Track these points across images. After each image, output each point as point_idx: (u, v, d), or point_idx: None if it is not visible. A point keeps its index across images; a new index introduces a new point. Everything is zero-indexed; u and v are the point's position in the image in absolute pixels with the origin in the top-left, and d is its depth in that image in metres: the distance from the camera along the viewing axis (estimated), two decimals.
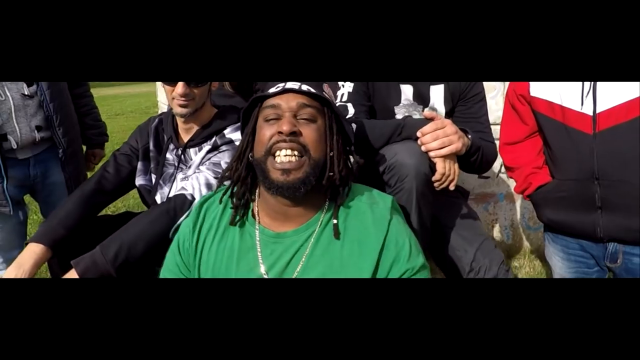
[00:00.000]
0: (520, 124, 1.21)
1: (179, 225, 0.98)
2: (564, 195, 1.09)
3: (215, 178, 1.07)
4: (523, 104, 1.18)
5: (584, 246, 1.13)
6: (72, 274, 0.92)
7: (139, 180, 1.20)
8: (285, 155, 0.76)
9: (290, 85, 0.79)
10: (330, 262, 0.79)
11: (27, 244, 1.02)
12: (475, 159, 1.12)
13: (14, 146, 1.36)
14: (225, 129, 1.15)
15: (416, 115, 1.27)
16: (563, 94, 1.07)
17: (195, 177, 1.08)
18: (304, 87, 0.79)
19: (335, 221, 0.80)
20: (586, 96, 1.03)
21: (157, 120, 1.23)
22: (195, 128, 1.16)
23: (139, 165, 1.20)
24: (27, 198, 1.60)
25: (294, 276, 0.79)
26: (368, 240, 0.79)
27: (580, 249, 1.14)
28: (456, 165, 1.02)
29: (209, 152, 1.13)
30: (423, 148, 0.99)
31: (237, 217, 0.83)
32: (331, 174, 0.79)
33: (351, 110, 1.18)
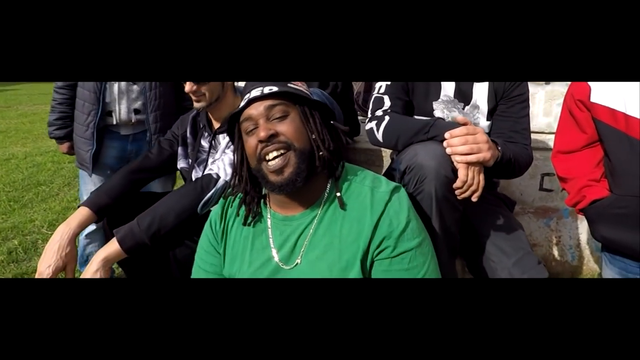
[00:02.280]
0: (577, 131, 1.11)
1: (206, 201, 1.11)
2: (623, 212, 0.98)
3: None
4: (582, 111, 1.08)
5: None
6: (114, 242, 1.06)
7: (180, 164, 1.34)
8: (274, 158, 0.82)
9: (253, 94, 0.85)
10: (331, 240, 0.85)
11: (78, 207, 1.19)
12: (506, 169, 1.06)
13: (115, 122, 1.64)
14: None
15: (455, 113, 1.23)
16: (628, 101, 0.97)
17: (220, 159, 1.19)
18: (266, 90, 0.84)
19: (339, 194, 0.86)
20: None
21: (195, 111, 1.36)
22: (223, 116, 1.27)
23: (180, 150, 1.34)
24: None
25: (300, 254, 0.87)
26: (365, 219, 0.83)
27: None
28: (482, 176, 0.97)
29: None
30: (449, 150, 0.96)
31: (250, 220, 0.91)
32: (320, 153, 0.85)
33: (387, 103, 1.18)
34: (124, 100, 1.62)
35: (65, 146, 1.78)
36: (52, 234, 1.15)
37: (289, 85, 0.88)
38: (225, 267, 0.94)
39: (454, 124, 1.01)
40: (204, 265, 0.98)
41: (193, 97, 1.23)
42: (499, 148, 1.03)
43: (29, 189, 3.44)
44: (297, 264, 0.86)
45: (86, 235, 1.76)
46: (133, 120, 1.66)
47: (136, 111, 1.64)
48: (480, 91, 1.21)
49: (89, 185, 1.73)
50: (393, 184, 0.89)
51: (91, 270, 1.02)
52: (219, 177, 1.14)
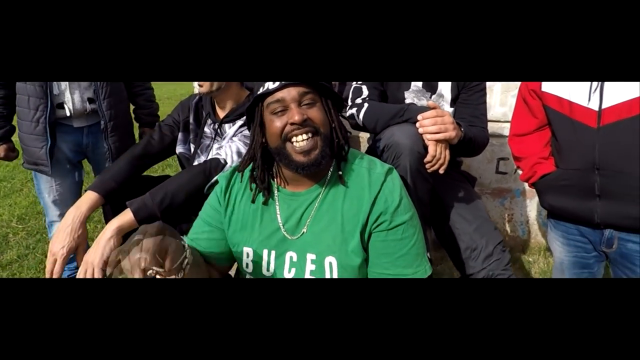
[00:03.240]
0: (530, 117, 1.29)
1: (213, 183, 1.17)
2: (566, 184, 1.17)
3: (246, 146, 1.24)
4: (534, 99, 1.26)
5: (583, 232, 1.21)
6: (127, 212, 1.10)
7: (179, 149, 1.38)
8: (302, 140, 0.89)
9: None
10: (333, 215, 0.95)
11: (85, 191, 1.21)
12: (466, 147, 1.24)
13: (68, 114, 1.57)
14: None
15: (423, 101, 1.39)
16: (572, 90, 1.15)
17: (228, 146, 1.26)
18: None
19: (340, 173, 0.95)
20: (593, 93, 1.10)
21: (197, 97, 1.41)
22: (229, 107, 1.33)
23: (180, 135, 1.38)
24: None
25: (305, 225, 0.96)
26: (363, 197, 0.94)
27: (579, 234, 1.22)
28: (447, 152, 1.13)
29: (241, 126, 1.30)
30: (420, 130, 1.11)
31: (261, 197, 0.98)
32: (337, 140, 0.95)
33: (365, 92, 1.31)
34: (75, 89, 1.56)
35: (1, 149, 1.64)
36: (22, 227, 1.17)
37: None
38: (229, 233, 1.01)
39: (426, 108, 1.16)
40: (207, 217, 1.04)
41: (197, 83, 1.28)
42: (462, 129, 1.20)
43: None
44: (303, 233, 0.96)
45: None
46: (88, 110, 1.60)
47: (90, 100, 1.58)
48: (445, 82, 1.38)
49: (47, 182, 1.64)
50: (387, 166, 0.98)
51: (105, 238, 1.06)
52: (225, 163, 1.21)
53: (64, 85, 1.53)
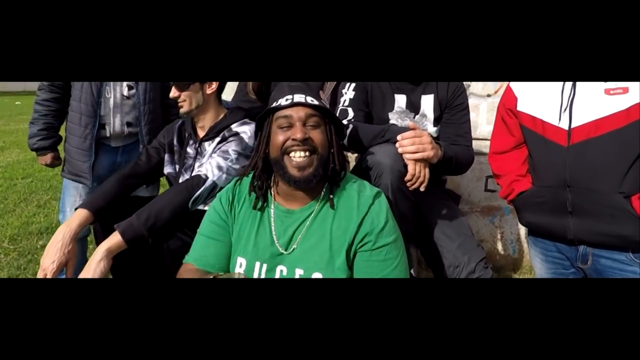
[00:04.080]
0: (508, 135, 1.32)
1: (196, 198, 1.22)
2: (541, 201, 1.19)
3: (225, 160, 1.30)
4: (511, 117, 1.30)
5: (560, 248, 1.22)
6: (116, 234, 1.14)
7: (166, 169, 1.46)
8: (300, 157, 0.97)
9: (298, 99, 0.99)
10: (323, 233, 1.00)
11: (76, 209, 1.26)
12: (448, 166, 1.28)
13: (108, 135, 1.72)
14: (232, 124, 1.39)
15: (407, 121, 1.43)
16: (544, 109, 1.18)
17: (208, 162, 1.32)
18: (309, 100, 1.00)
19: (331, 195, 1.02)
20: (563, 112, 1.14)
21: (180, 121, 1.50)
22: (208, 126, 1.41)
23: (166, 157, 1.46)
24: None
25: (296, 242, 1.01)
26: (351, 218, 0.99)
27: (556, 250, 1.23)
28: (427, 170, 1.18)
29: (219, 142, 1.37)
30: (400, 150, 1.16)
31: (259, 203, 1.04)
32: (332, 165, 1.01)
33: (351, 114, 1.36)
34: (117, 113, 1.70)
35: (49, 157, 1.79)
36: (14, 248, 1.21)
37: (321, 100, 1.03)
38: (232, 235, 1.06)
39: (405, 128, 1.21)
40: (211, 234, 1.07)
41: (179, 103, 1.37)
42: (442, 148, 1.24)
43: None
44: (293, 249, 1.01)
45: None
46: (125, 133, 1.74)
47: (128, 124, 1.74)
48: (427, 102, 1.43)
49: (73, 197, 1.76)
50: (375, 190, 1.04)
51: (95, 260, 1.10)
52: (207, 178, 1.26)
53: (110, 107, 1.68)
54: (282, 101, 0.99)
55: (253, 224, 1.04)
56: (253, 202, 1.04)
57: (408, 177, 1.15)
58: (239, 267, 1.03)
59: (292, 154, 0.97)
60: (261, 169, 1.03)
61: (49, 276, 1.12)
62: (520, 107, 1.25)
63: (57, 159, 1.80)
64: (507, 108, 1.30)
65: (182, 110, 1.37)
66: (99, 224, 1.28)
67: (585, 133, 1.09)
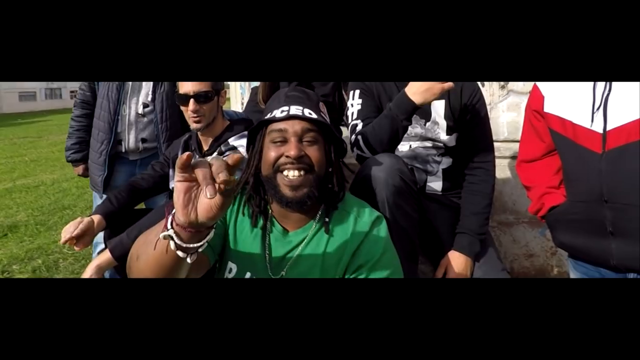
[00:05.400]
0: (537, 140, 1.15)
1: None
2: (575, 218, 1.00)
3: None
4: (539, 120, 1.12)
5: (605, 275, 1.01)
6: (106, 251, 1.18)
7: (171, 184, 1.47)
8: (293, 175, 0.87)
9: (294, 111, 0.89)
10: (314, 261, 0.92)
11: (91, 214, 1.33)
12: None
13: (124, 150, 1.81)
14: (230, 137, 1.35)
15: (417, 128, 1.30)
16: (574, 110, 1.00)
17: None
18: (307, 113, 0.89)
19: (327, 219, 0.92)
20: (596, 112, 0.95)
21: (187, 135, 1.49)
22: (211, 139, 1.39)
23: (170, 172, 1.47)
24: None
25: (285, 268, 0.93)
26: (345, 247, 0.90)
27: (601, 277, 1.02)
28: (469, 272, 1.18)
29: (217, 154, 1.34)
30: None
31: (260, 221, 0.94)
32: (330, 185, 0.92)
33: (360, 126, 1.25)
34: (132, 130, 1.78)
35: (80, 168, 1.95)
36: (72, 253, 1.30)
37: (321, 113, 0.93)
38: (221, 248, 0.98)
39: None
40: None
41: (193, 118, 1.33)
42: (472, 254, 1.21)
43: (55, 213, 3.70)
44: (282, 275, 0.93)
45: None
46: (140, 149, 1.82)
47: (143, 140, 1.80)
48: (438, 109, 1.29)
49: None
50: (375, 214, 0.94)
51: (85, 276, 1.16)
52: None
53: (126, 124, 1.78)
54: (277, 112, 0.90)
55: (250, 234, 0.96)
56: (252, 218, 0.96)
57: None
58: (229, 273, 0.96)
59: (285, 172, 0.87)
60: (253, 187, 0.94)
61: (64, 238, 1.21)
62: (548, 108, 1.08)
63: (88, 170, 1.94)
64: (534, 109, 1.13)
65: (199, 126, 1.33)
66: (109, 232, 1.33)
67: (624, 137, 0.90)
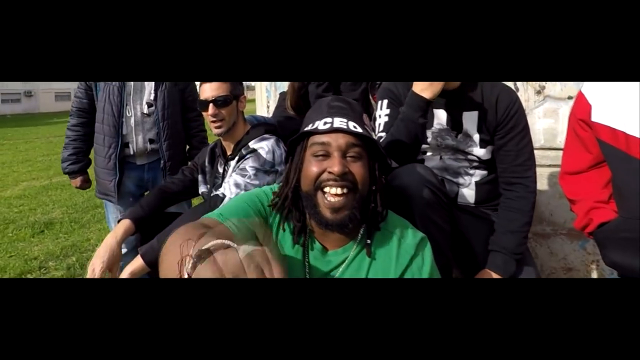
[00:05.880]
0: (583, 151, 1.07)
1: None
2: (630, 236, 0.93)
3: (243, 177, 1.29)
4: (585, 130, 1.05)
5: None
6: (138, 257, 1.19)
7: (201, 189, 1.49)
8: (335, 194, 0.81)
9: (338, 124, 0.83)
10: None
11: (119, 220, 1.34)
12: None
13: (131, 153, 1.77)
14: (250, 141, 1.36)
15: (449, 140, 1.24)
16: (627, 119, 0.93)
17: (227, 181, 1.32)
18: (351, 126, 0.84)
19: (369, 241, 0.87)
20: None
21: (214, 143, 1.53)
22: (233, 144, 1.40)
23: (200, 177, 1.50)
24: None
25: None
26: (389, 271, 0.85)
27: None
28: None
29: (237, 161, 1.36)
30: None
31: (300, 238, 0.88)
32: (373, 205, 0.86)
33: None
34: (139, 131, 1.75)
35: (78, 180, 1.89)
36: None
37: (365, 126, 0.88)
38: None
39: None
40: (243, 213, 0.90)
41: (214, 124, 1.36)
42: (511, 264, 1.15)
43: (87, 211, 3.82)
44: None
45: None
46: (148, 150, 1.78)
47: (151, 141, 1.78)
48: (470, 121, 1.21)
49: (114, 213, 1.88)
50: (419, 236, 0.89)
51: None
52: (224, 196, 1.26)
53: (132, 125, 1.75)
54: (320, 124, 0.84)
55: (291, 250, 0.89)
56: (293, 234, 0.90)
57: None
58: None
59: (326, 189, 0.82)
60: (291, 201, 0.88)
61: (96, 274, 1.20)
62: (596, 117, 1.01)
63: (87, 182, 1.92)
64: (579, 118, 1.06)
65: (220, 130, 1.36)
66: (140, 237, 1.35)
67: None
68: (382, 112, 1.24)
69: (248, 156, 1.33)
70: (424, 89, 1.10)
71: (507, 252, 1.14)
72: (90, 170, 1.94)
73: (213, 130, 1.39)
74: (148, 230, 1.32)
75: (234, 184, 1.28)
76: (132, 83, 1.75)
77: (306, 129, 0.87)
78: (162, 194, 1.44)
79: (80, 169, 1.87)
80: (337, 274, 0.87)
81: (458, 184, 1.26)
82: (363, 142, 0.84)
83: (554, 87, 1.84)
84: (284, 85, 2.64)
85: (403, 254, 0.86)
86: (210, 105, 1.34)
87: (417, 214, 1.00)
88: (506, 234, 1.15)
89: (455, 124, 1.22)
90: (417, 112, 1.10)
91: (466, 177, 1.26)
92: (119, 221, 1.35)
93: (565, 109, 1.83)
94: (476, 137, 1.22)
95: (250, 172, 1.29)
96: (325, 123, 0.84)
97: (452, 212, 1.13)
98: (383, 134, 1.20)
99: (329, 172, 0.81)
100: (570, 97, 1.81)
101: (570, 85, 1.81)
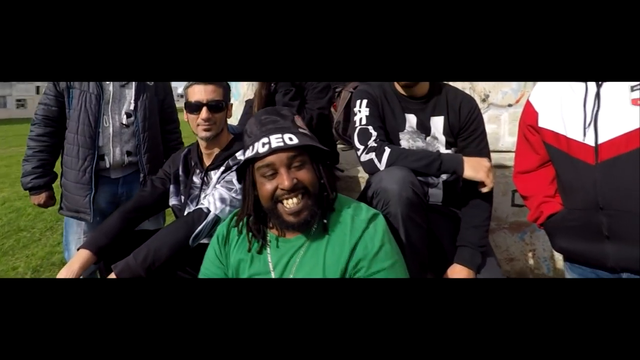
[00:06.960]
0: (532, 153, 1.24)
1: (197, 234, 1.18)
2: (573, 225, 1.10)
3: (228, 190, 1.25)
4: (533, 134, 1.22)
5: (600, 276, 1.11)
6: (112, 275, 1.12)
7: (172, 201, 1.40)
8: (293, 203, 0.93)
9: (275, 143, 0.92)
10: (316, 261, 0.96)
11: (78, 249, 1.23)
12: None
13: (107, 166, 1.66)
14: (237, 152, 1.33)
15: (419, 142, 1.36)
16: (567, 124, 1.10)
17: (211, 194, 1.27)
18: (287, 139, 0.92)
19: (325, 221, 0.97)
20: (588, 127, 1.05)
21: (187, 149, 1.45)
22: (215, 153, 1.35)
23: (171, 188, 1.41)
24: None
25: (291, 272, 0.97)
26: (344, 244, 0.94)
27: (597, 277, 1.12)
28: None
29: (223, 172, 1.31)
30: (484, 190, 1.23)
31: (256, 245, 1.00)
32: (325, 194, 0.97)
33: (373, 133, 1.29)
34: (117, 142, 1.65)
35: (43, 196, 1.69)
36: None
37: (300, 130, 0.96)
38: (228, 274, 1.04)
39: (457, 156, 1.22)
40: (208, 273, 1.06)
41: (203, 127, 1.30)
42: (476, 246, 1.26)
43: (10, 236, 3.35)
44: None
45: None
46: (125, 162, 1.67)
47: (128, 153, 1.67)
48: (437, 124, 1.35)
49: (77, 234, 1.69)
50: (372, 212, 0.99)
51: None
52: (209, 211, 1.21)
53: (109, 137, 1.63)
54: (259, 147, 0.92)
55: (247, 255, 1.01)
56: (248, 244, 1.01)
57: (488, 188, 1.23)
58: None
59: (284, 202, 0.93)
60: (254, 215, 0.99)
61: None
62: (542, 123, 1.17)
63: (52, 199, 1.72)
64: (528, 124, 1.22)
65: (208, 134, 1.30)
66: (104, 262, 1.26)
67: (614, 149, 1.00)
68: (362, 109, 1.34)
69: (235, 168, 1.28)
70: (469, 167, 1.21)
71: (472, 246, 1.26)
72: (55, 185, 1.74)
73: (199, 134, 1.32)
74: (112, 257, 1.22)
75: (219, 198, 1.24)
76: (111, 91, 1.62)
77: (249, 154, 0.95)
78: (126, 214, 1.33)
79: (46, 183, 1.69)
80: (299, 256, 0.97)
81: (428, 184, 1.37)
82: (302, 149, 0.94)
83: (497, 96, 2.07)
84: (239, 94, 2.62)
85: (356, 228, 0.95)
86: (204, 108, 1.29)
87: (400, 213, 1.07)
88: (471, 229, 1.28)
89: (423, 127, 1.34)
90: (445, 169, 1.22)
91: (435, 177, 1.37)
92: (78, 249, 1.24)
93: (506, 115, 2.06)
94: (442, 139, 1.35)
95: (237, 185, 1.24)
96: (263, 145, 0.92)
97: (426, 211, 1.23)
98: (369, 127, 1.30)
99: (281, 189, 0.92)
100: (510, 105, 2.05)
101: (510, 93, 2.05)
